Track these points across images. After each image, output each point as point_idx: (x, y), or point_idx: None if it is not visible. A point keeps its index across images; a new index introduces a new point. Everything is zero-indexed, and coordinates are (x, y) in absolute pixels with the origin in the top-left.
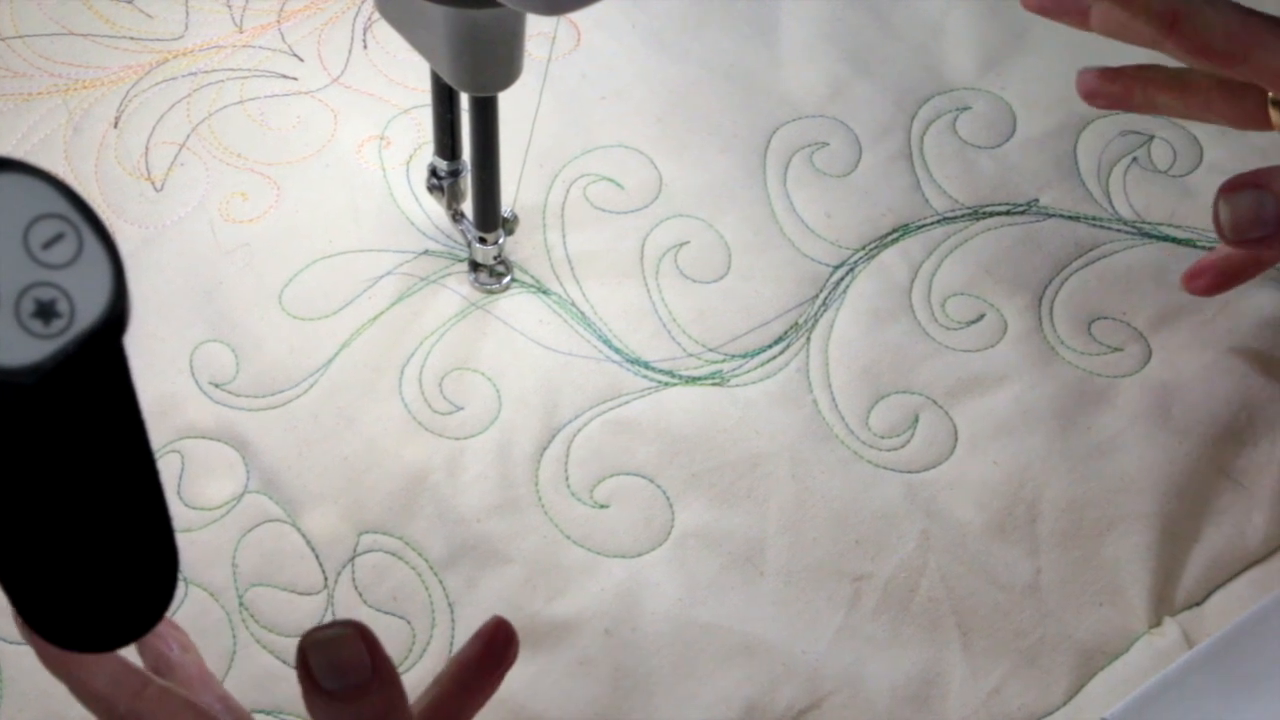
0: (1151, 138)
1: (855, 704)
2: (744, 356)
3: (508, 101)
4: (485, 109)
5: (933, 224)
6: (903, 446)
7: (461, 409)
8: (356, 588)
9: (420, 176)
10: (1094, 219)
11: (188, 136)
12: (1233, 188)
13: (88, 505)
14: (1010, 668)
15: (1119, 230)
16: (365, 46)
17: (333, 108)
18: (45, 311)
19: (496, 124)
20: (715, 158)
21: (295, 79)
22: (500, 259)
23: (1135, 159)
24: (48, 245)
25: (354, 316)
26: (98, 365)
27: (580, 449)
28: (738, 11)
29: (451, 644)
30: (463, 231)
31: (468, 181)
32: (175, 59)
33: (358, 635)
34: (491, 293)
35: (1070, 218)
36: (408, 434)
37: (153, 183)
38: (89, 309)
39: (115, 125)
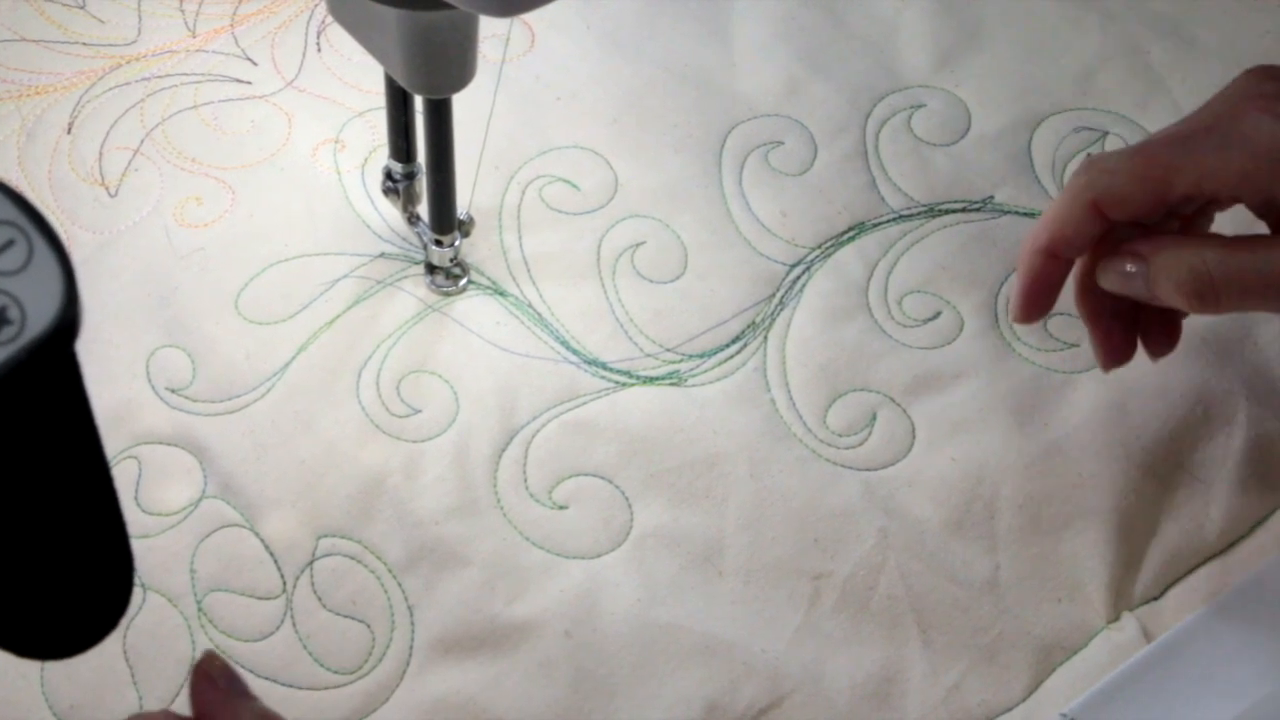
0: (1105, 134)
1: (815, 702)
2: (701, 356)
3: (462, 103)
4: (439, 111)
5: (888, 222)
6: (860, 445)
7: (419, 411)
8: (315, 592)
9: (375, 179)
10: None
11: (141, 142)
12: (1119, 254)
13: (41, 512)
14: (969, 664)
15: None
16: (319, 50)
17: (287, 111)
18: None
19: (451, 126)
20: (671, 158)
21: (249, 83)
22: (456, 261)
23: (1089, 155)
24: None
25: (310, 320)
26: (50, 372)
27: (538, 450)
28: (692, 12)
29: (411, 647)
30: (418, 234)
31: (423, 184)
32: (128, 64)
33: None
34: (448, 295)
35: (1026, 214)
36: (365, 437)
37: (107, 188)
38: (40, 316)
39: (69, 131)
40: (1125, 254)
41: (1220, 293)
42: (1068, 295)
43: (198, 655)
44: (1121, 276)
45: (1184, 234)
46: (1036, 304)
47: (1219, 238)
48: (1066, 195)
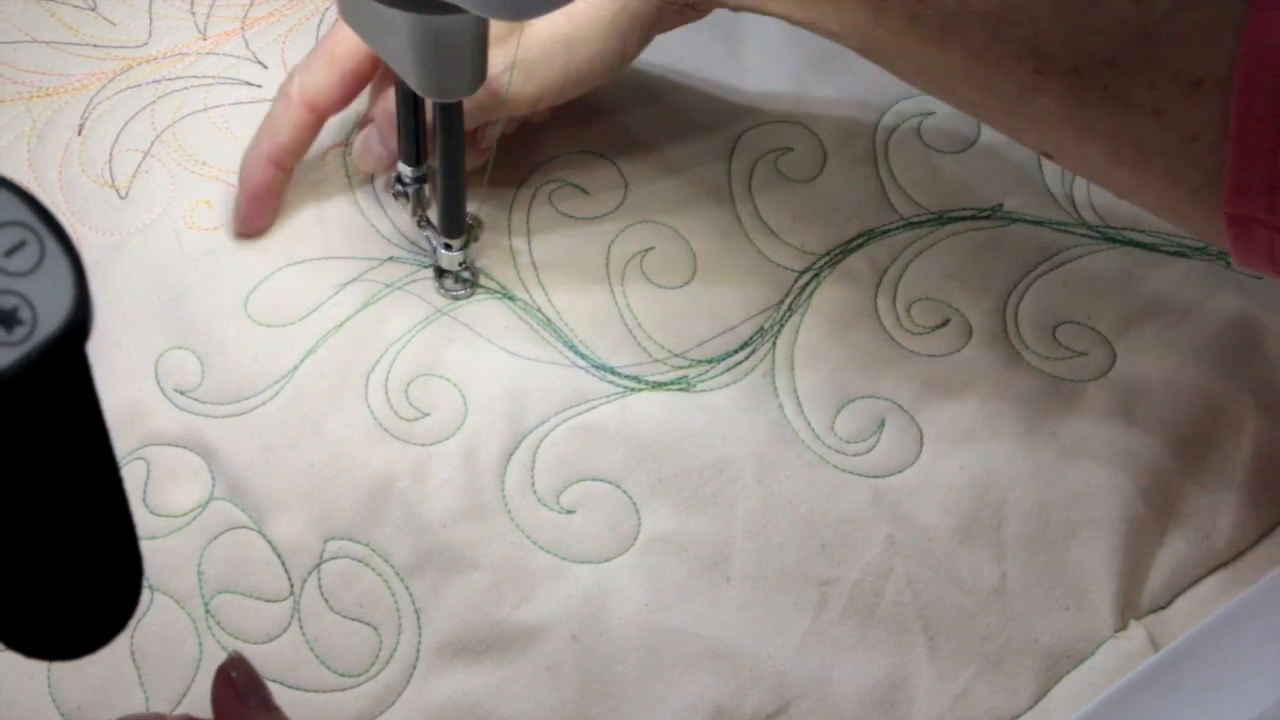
0: None
1: (822, 708)
2: (710, 361)
3: None
4: (450, 115)
5: (898, 229)
6: (868, 451)
7: (427, 415)
8: (323, 594)
9: (385, 183)
10: (1058, 224)
11: (152, 144)
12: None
13: (50, 513)
14: (977, 672)
15: (1083, 235)
16: None
17: None
18: (7, 319)
19: (462, 130)
20: (680, 163)
21: (259, 86)
22: (466, 265)
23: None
24: (9, 253)
25: (319, 323)
26: (60, 373)
27: (546, 455)
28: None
29: (418, 650)
30: (428, 238)
31: (433, 188)
32: (139, 66)
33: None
34: (457, 299)
35: (1035, 222)
36: (374, 440)
37: (117, 190)
38: (51, 316)
39: (79, 133)
40: (362, 122)
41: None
42: (1071, 301)
43: (205, 657)
44: (360, 149)
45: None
46: (262, 214)
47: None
48: (280, 102)
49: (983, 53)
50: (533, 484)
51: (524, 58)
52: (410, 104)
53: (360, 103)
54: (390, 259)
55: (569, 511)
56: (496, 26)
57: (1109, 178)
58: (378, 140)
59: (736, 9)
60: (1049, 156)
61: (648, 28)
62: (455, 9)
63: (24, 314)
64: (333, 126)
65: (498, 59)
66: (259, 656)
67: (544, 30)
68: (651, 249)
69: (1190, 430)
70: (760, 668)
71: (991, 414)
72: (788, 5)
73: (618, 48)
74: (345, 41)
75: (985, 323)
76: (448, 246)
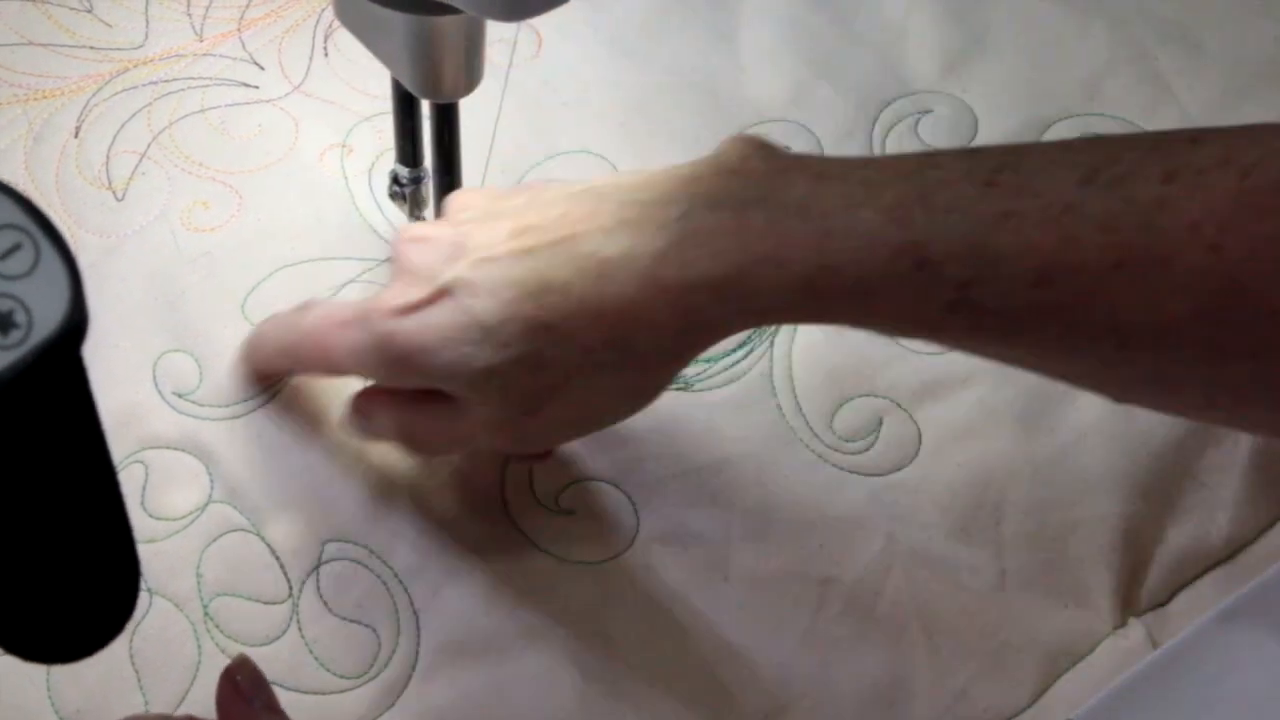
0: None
1: (822, 708)
2: (708, 362)
3: (469, 108)
4: (447, 116)
5: None
6: (867, 450)
7: None
8: (321, 596)
9: (382, 184)
10: None
11: (148, 145)
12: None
13: (48, 516)
14: (976, 670)
15: None
16: (326, 54)
17: (294, 116)
18: (2, 323)
19: (458, 131)
20: (678, 162)
21: (256, 87)
22: None
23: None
24: (4, 256)
25: None
26: (56, 376)
27: None
28: (699, 16)
29: (417, 652)
30: None
31: (430, 189)
32: (135, 68)
33: None
34: None
35: None
36: (372, 442)
37: (114, 192)
38: (47, 319)
39: (76, 135)
40: (354, 410)
41: (427, 445)
42: None
43: (204, 659)
44: (361, 429)
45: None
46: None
47: (418, 398)
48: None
49: (1057, 343)
50: (531, 484)
51: (537, 435)
52: (406, 105)
53: (366, 104)
54: (388, 260)
55: (568, 512)
56: None
57: (1199, 417)
58: (368, 435)
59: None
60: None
61: (662, 390)
62: (451, 10)
63: (19, 317)
64: (332, 126)
65: (506, 438)
66: (258, 658)
67: (554, 416)
68: None
69: (1189, 427)
70: (760, 667)
71: (989, 412)
72: (843, 320)
73: (635, 411)
74: (317, 343)
75: None
76: None
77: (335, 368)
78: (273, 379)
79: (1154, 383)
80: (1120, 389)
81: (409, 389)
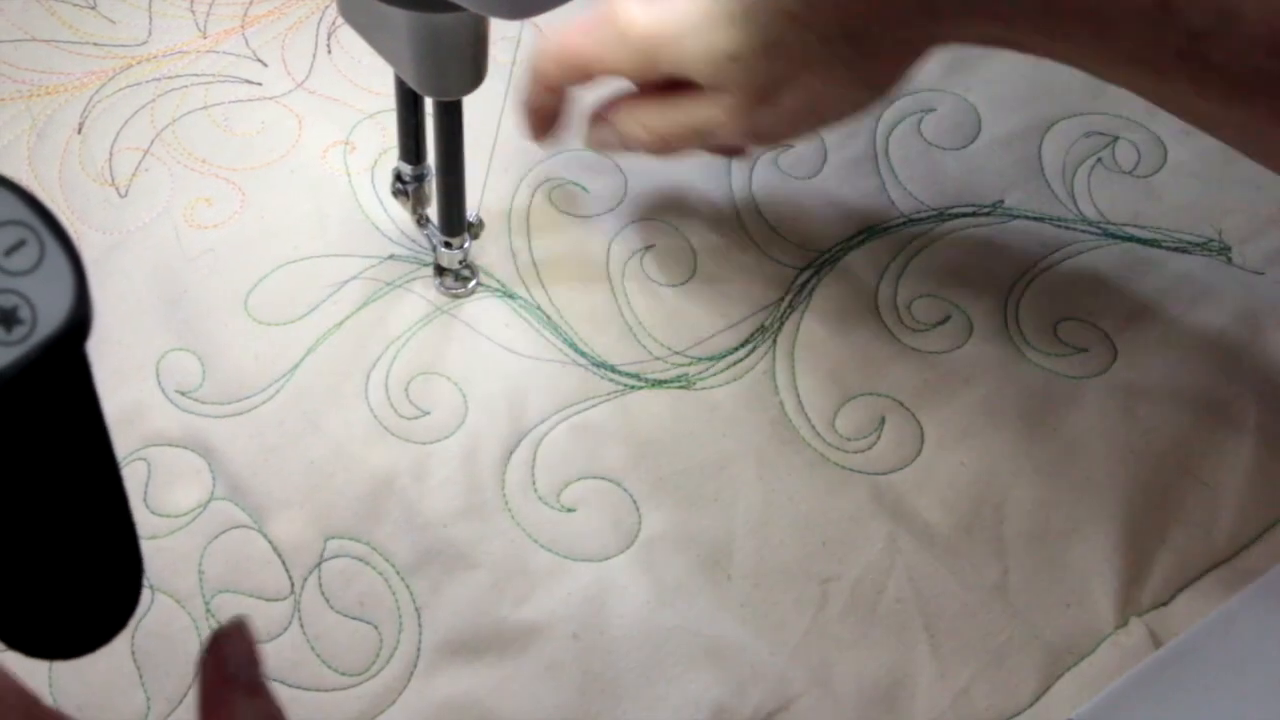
0: (1116, 139)
1: (823, 706)
2: (710, 359)
3: (472, 105)
4: (450, 113)
5: (898, 226)
6: (870, 448)
7: (428, 413)
8: (323, 593)
9: (385, 181)
10: (1059, 220)
11: (152, 142)
12: (594, 116)
13: (50, 513)
14: (978, 668)
15: (1084, 231)
16: (329, 51)
17: (297, 113)
18: (7, 318)
19: (461, 128)
20: (680, 161)
21: (259, 84)
22: (466, 263)
23: (1100, 160)
24: (9, 252)
25: (319, 322)
26: (60, 372)
27: (547, 453)
28: None
29: (419, 649)
30: (428, 236)
31: (433, 186)
32: (139, 64)
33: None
34: (457, 297)
35: (1035, 219)
36: (374, 439)
37: (117, 188)
38: (51, 316)
39: (79, 131)
40: (595, 119)
41: (670, 139)
42: (1072, 297)
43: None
44: (599, 139)
45: (640, 95)
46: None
47: (659, 97)
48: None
49: (1276, 118)
50: (533, 482)
51: (772, 126)
52: (409, 103)
53: (369, 102)
54: (390, 257)
55: (569, 510)
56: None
57: None
58: (617, 143)
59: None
60: None
61: (891, 89)
62: (455, 7)
63: (24, 313)
64: (335, 123)
65: (744, 124)
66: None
67: (790, 105)
68: (651, 247)
69: (1191, 427)
70: (761, 665)
71: (992, 411)
72: (1071, 60)
73: (864, 110)
74: (569, 49)
75: (986, 319)
76: (448, 244)
77: (595, 66)
78: (559, 92)
79: None
80: None
81: (651, 87)
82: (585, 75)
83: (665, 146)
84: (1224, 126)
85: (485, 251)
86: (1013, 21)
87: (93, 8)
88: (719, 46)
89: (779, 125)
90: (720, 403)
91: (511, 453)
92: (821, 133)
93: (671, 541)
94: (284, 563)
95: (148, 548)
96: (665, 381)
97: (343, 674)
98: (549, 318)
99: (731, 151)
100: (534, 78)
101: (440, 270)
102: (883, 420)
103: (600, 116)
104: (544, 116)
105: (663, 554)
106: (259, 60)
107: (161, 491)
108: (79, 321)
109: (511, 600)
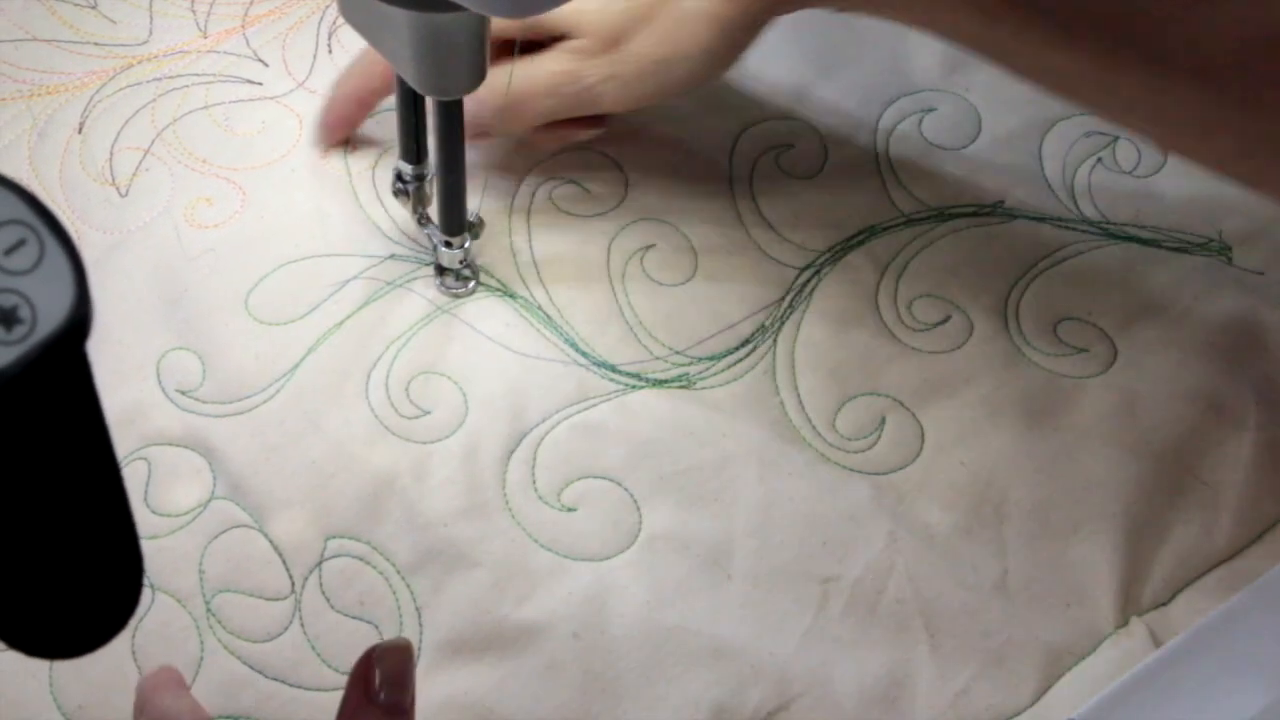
0: (1116, 139)
1: (823, 705)
2: (711, 359)
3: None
4: (450, 113)
5: (899, 225)
6: (870, 448)
7: (428, 413)
8: (324, 592)
9: (386, 180)
10: (1059, 220)
11: (152, 142)
12: None
13: (51, 512)
14: (978, 668)
15: (1084, 231)
16: (330, 51)
17: (298, 112)
18: (7, 318)
19: (462, 128)
20: (681, 160)
21: (260, 84)
22: (466, 263)
23: (1100, 160)
24: (9, 251)
25: (320, 321)
26: (60, 372)
27: (547, 452)
28: None
29: (419, 649)
30: (429, 235)
31: (433, 185)
32: (140, 64)
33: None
34: (458, 297)
35: (1036, 219)
36: (374, 438)
37: (117, 188)
38: (51, 315)
39: (80, 131)
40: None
41: (513, 102)
42: (1073, 297)
43: (206, 656)
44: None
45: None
46: (333, 139)
47: (505, 61)
48: (367, 54)
49: (1105, 58)
50: (534, 482)
51: (620, 73)
52: (410, 102)
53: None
54: (391, 257)
55: (570, 509)
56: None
57: (1232, 169)
58: (470, 118)
59: (841, 10)
60: (1166, 150)
61: (743, 45)
62: (455, 7)
63: (24, 313)
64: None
65: (591, 72)
66: (260, 655)
67: (641, 50)
68: (652, 246)
69: (1191, 426)
70: (761, 665)
71: (992, 411)
72: (901, 11)
73: (714, 64)
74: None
75: (986, 319)
76: (448, 244)
77: None
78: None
79: (1192, 124)
80: (1159, 126)
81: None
82: None
83: (513, 111)
84: (1049, 73)
85: (486, 251)
86: None
87: (93, 7)
88: None
89: (628, 74)
90: (721, 402)
91: (512, 452)
92: (670, 95)
93: (672, 541)
94: (284, 562)
95: (148, 547)
96: (666, 381)
97: (343, 673)
98: (549, 317)
99: (589, 124)
100: (371, 59)
101: (441, 270)
102: (883, 420)
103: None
104: (367, 103)
105: (663, 554)
106: (260, 60)
107: (162, 491)
108: (79, 321)
109: (512, 600)
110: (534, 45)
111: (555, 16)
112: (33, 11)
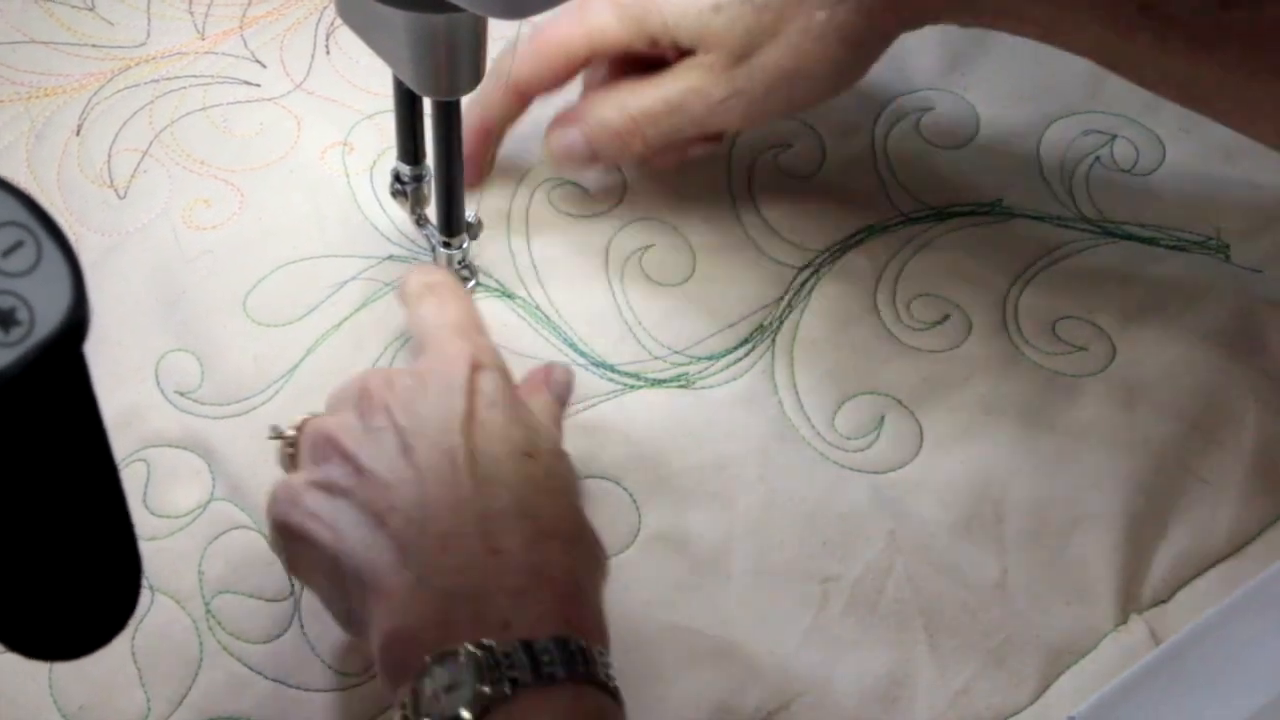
0: (1114, 137)
1: (824, 705)
2: (709, 358)
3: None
4: (448, 113)
5: (897, 225)
6: (869, 447)
7: None
8: None
9: (384, 181)
10: (1058, 219)
11: (150, 143)
12: (554, 125)
13: (49, 514)
14: (978, 667)
15: (1083, 230)
16: (328, 52)
17: (296, 114)
18: (4, 319)
19: (460, 128)
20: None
21: (258, 85)
22: (465, 263)
23: (1098, 158)
24: (6, 253)
25: (319, 322)
26: (58, 373)
27: None
28: None
29: None
30: (427, 236)
31: (431, 186)
32: (137, 66)
33: None
34: None
35: (1034, 217)
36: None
37: (115, 190)
38: (49, 317)
39: (77, 133)
40: (559, 121)
41: (639, 122)
42: (1071, 295)
43: (205, 657)
44: (562, 144)
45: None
46: (475, 174)
47: (629, 81)
48: (493, 80)
49: (1238, 66)
50: None
51: (747, 88)
52: (408, 103)
53: (367, 102)
54: (389, 257)
55: None
56: None
57: None
58: (583, 142)
59: (968, 26)
60: None
61: (871, 59)
62: (453, 8)
63: (21, 314)
64: (333, 124)
65: (718, 89)
66: (260, 656)
67: (768, 64)
68: (651, 246)
69: (1190, 424)
70: (762, 664)
71: (991, 409)
72: (1031, 26)
73: (842, 78)
74: (555, 36)
75: (985, 318)
76: (447, 245)
77: (578, 45)
78: (525, 100)
79: None
80: None
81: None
82: (567, 63)
83: (635, 133)
84: (1187, 85)
85: (484, 251)
86: None
87: (91, 9)
88: None
89: (755, 89)
90: (720, 402)
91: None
92: (796, 109)
93: (671, 541)
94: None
95: (147, 549)
96: (664, 381)
97: (344, 674)
98: (548, 317)
99: (708, 141)
100: (504, 83)
101: None
102: (882, 419)
103: (566, 117)
104: (493, 132)
105: (663, 553)
106: (257, 61)
107: (161, 492)
108: (76, 323)
109: None
110: (635, 64)
111: (679, 32)
112: (30, 14)
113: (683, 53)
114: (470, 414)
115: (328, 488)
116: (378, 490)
